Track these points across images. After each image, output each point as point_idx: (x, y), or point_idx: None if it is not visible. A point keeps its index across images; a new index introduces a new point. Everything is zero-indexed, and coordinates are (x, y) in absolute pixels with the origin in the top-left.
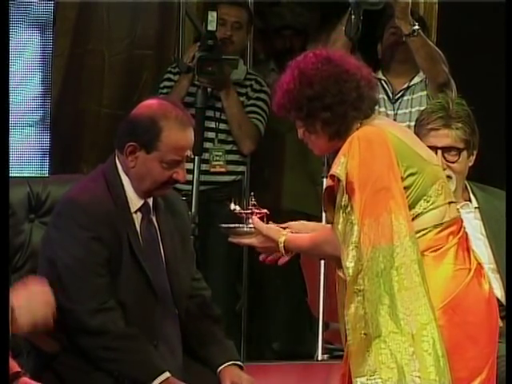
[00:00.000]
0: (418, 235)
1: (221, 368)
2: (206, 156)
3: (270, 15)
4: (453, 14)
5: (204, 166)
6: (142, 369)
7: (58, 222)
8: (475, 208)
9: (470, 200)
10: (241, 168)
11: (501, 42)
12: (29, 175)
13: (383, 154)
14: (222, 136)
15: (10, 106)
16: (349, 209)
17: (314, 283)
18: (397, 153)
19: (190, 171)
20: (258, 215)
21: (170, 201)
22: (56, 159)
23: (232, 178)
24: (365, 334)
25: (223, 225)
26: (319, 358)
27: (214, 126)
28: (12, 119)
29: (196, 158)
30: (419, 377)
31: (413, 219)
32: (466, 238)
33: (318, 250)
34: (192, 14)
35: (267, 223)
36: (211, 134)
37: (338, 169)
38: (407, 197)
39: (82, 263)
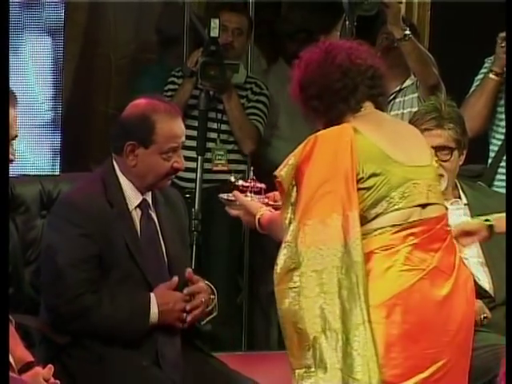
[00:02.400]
0: (374, 233)
1: None
2: (208, 155)
3: (283, 20)
4: (445, 21)
5: (207, 165)
6: (136, 318)
7: (51, 221)
8: (465, 205)
9: (459, 197)
10: (242, 167)
11: (492, 47)
12: (41, 173)
13: (339, 155)
14: (223, 136)
15: (24, 108)
16: (295, 207)
17: None
18: (359, 154)
19: (194, 170)
20: (256, 189)
21: (168, 195)
22: (66, 158)
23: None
24: (300, 328)
25: (222, 195)
26: None
27: (216, 127)
28: (25, 120)
29: (199, 157)
30: (348, 375)
31: (373, 219)
32: (436, 238)
33: (270, 230)
34: (195, 20)
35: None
36: (213, 135)
37: (283, 170)
38: (368, 197)
39: (69, 259)
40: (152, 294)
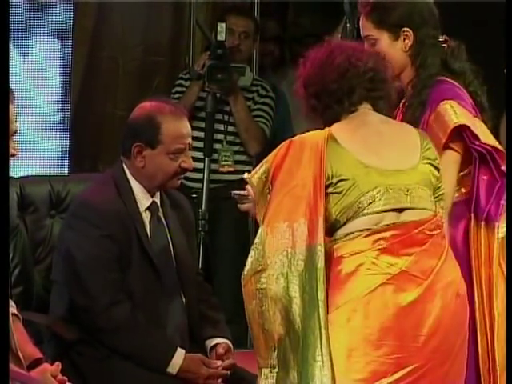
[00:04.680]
0: (346, 238)
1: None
2: (215, 156)
3: (291, 25)
4: (446, 22)
5: (213, 166)
6: (157, 353)
7: (71, 222)
8: None
9: None
10: (248, 167)
11: (493, 47)
12: (50, 174)
13: (310, 161)
14: (230, 138)
15: (33, 109)
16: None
17: None
18: (330, 160)
19: (201, 171)
20: None
21: (175, 199)
22: (75, 159)
23: (239, 176)
24: (266, 329)
25: (235, 191)
26: None
27: (223, 129)
28: (34, 122)
29: (206, 159)
30: (305, 380)
31: (345, 223)
32: (411, 243)
33: None
34: (202, 24)
35: None
36: (220, 136)
37: (253, 177)
38: (338, 202)
39: (95, 259)
40: (181, 352)
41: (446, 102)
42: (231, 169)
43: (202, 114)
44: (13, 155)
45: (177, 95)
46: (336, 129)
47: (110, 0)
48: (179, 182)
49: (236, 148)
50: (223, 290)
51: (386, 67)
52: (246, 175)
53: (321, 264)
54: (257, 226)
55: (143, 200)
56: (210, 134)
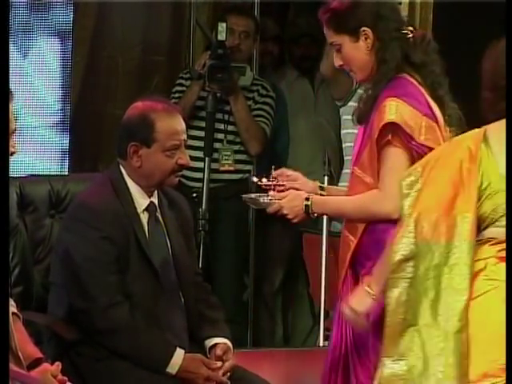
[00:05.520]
0: (477, 244)
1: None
2: (215, 156)
3: (289, 25)
4: (448, 22)
5: (214, 165)
6: (156, 354)
7: (69, 224)
8: None
9: None
10: (248, 167)
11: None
12: (50, 174)
13: (461, 161)
14: (230, 137)
15: (33, 109)
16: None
17: (316, 274)
18: (481, 166)
19: (201, 170)
20: (279, 187)
21: (173, 199)
22: (75, 158)
23: (240, 176)
24: (403, 318)
25: (245, 195)
26: (321, 344)
27: (223, 128)
28: (34, 122)
29: (206, 158)
30: (441, 372)
31: (480, 231)
32: None
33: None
34: (202, 24)
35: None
36: (220, 135)
37: (406, 179)
38: (484, 210)
39: (93, 262)
40: (180, 352)
41: (392, 98)
42: (231, 168)
43: (203, 114)
44: (12, 153)
45: (177, 95)
46: (491, 130)
47: (110, 0)
48: (177, 179)
49: (236, 147)
50: (223, 290)
51: None
52: (254, 178)
53: (470, 261)
54: (257, 226)
55: (141, 201)
56: (211, 133)
